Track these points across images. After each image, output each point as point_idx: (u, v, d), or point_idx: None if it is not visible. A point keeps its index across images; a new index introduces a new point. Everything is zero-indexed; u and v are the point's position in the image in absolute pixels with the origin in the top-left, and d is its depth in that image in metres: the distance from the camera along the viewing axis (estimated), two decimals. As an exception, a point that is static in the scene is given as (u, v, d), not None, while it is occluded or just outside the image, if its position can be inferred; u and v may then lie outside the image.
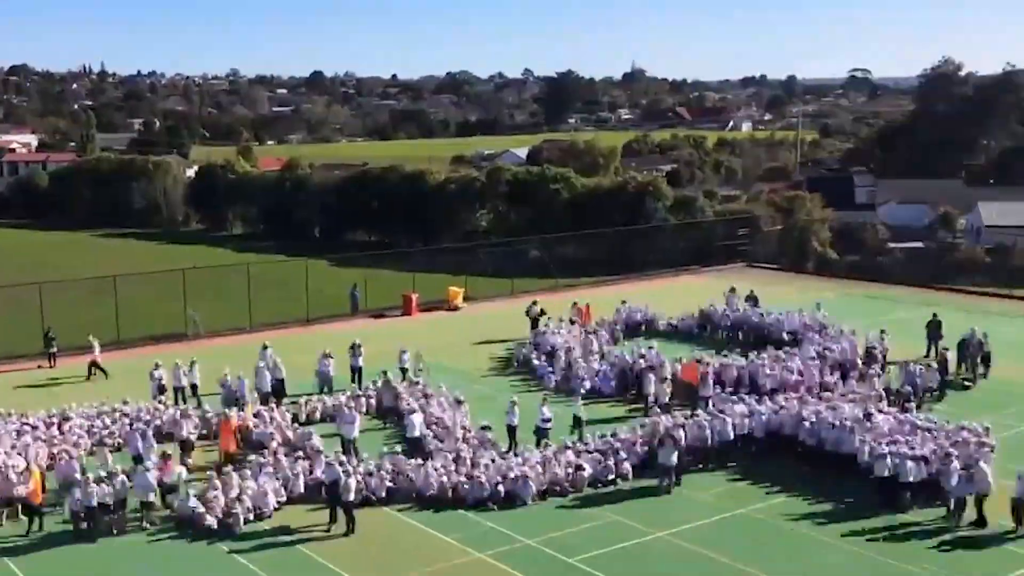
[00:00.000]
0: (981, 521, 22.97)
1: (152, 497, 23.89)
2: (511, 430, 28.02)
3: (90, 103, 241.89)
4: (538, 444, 27.40)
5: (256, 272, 46.65)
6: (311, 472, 25.42)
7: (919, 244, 78.58)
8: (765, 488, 25.52)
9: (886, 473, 24.18)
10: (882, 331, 35.35)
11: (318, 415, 30.80)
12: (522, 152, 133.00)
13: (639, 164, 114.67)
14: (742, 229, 63.08)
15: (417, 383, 32.38)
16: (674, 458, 25.39)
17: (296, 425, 29.42)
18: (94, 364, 36.17)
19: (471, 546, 22.51)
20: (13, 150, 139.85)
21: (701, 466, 26.57)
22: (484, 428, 28.05)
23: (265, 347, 34.13)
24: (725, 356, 34.33)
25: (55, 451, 26.82)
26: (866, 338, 35.09)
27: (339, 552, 22.28)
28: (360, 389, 32.63)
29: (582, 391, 32.13)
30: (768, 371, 31.77)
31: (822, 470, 25.94)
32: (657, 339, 38.59)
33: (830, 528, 23.25)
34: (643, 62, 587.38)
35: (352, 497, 23.31)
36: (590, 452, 26.49)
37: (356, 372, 34.04)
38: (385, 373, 32.02)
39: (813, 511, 24.16)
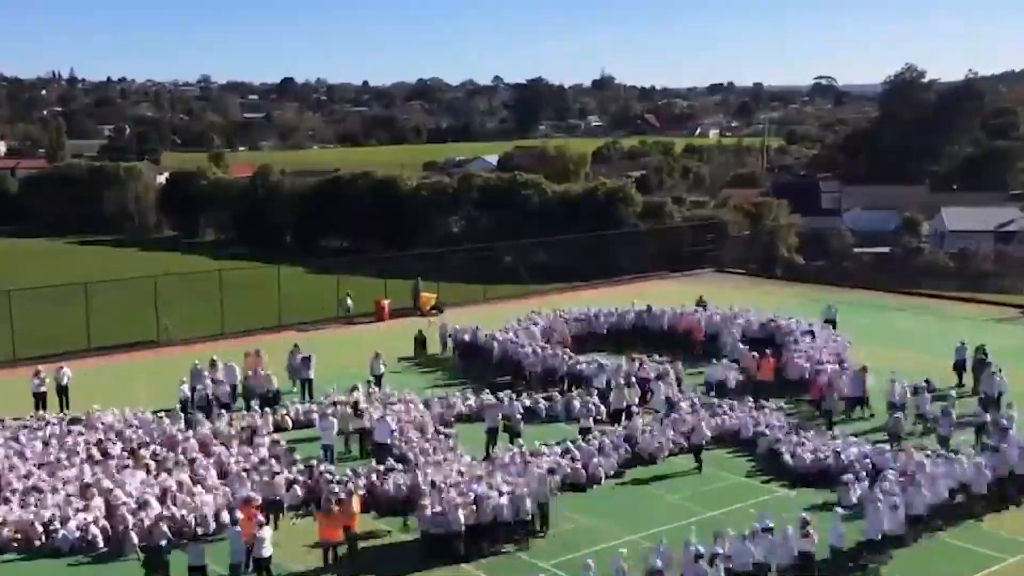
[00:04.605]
0: None
1: None
2: (490, 432, 28.49)
3: (60, 109, 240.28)
4: None
5: (229, 279, 46.71)
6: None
7: (885, 249, 79.77)
8: (736, 492, 25.90)
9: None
10: None
11: (289, 423, 30.97)
12: (493, 159, 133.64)
13: (609, 170, 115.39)
14: (710, 235, 63.91)
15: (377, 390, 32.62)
16: None
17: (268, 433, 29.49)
18: None
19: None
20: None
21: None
22: (448, 436, 28.24)
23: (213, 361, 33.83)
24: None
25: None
26: None
27: (311, 560, 22.45)
28: (309, 401, 32.64)
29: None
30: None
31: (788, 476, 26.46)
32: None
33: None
34: (612, 69, 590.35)
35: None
36: (562, 455, 26.75)
37: (306, 384, 33.86)
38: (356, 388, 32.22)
39: (784, 515, 24.17)
